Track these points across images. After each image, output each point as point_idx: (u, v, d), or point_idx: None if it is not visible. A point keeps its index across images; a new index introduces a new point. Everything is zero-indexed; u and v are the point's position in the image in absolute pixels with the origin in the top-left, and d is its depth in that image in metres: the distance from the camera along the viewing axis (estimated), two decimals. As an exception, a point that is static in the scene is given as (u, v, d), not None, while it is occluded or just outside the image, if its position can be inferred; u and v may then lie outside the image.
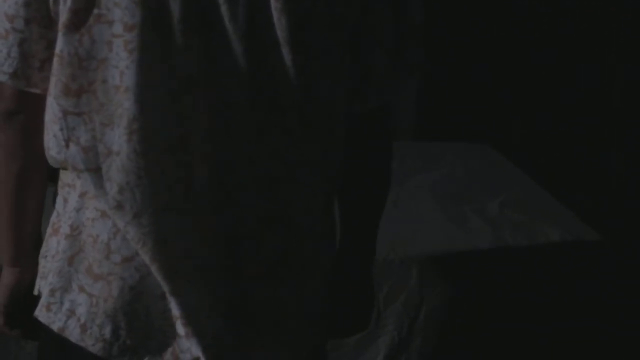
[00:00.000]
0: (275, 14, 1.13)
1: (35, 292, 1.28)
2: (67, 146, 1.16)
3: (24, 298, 1.30)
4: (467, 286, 1.92)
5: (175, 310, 1.20)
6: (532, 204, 2.18)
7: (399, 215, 2.04)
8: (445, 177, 2.34)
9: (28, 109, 1.20)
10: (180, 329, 1.20)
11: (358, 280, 1.37)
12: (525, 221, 2.05)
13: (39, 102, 1.18)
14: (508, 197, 2.19)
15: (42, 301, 1.24)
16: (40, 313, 1.24)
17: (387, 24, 1.21)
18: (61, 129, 1.16)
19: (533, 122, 3.58)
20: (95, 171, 1.15)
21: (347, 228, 1.35)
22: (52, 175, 1.27)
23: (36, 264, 1.27)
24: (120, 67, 1.11)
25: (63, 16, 1.12)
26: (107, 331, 1.20)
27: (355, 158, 1.28)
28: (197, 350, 1.20)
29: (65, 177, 1.23)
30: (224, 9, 1.12)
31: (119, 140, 1.13)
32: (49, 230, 1.26)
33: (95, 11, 1.11)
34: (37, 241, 1.29)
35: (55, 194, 1.27)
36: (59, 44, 1.13)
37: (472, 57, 3.43)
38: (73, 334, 1.21)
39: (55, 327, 1.22)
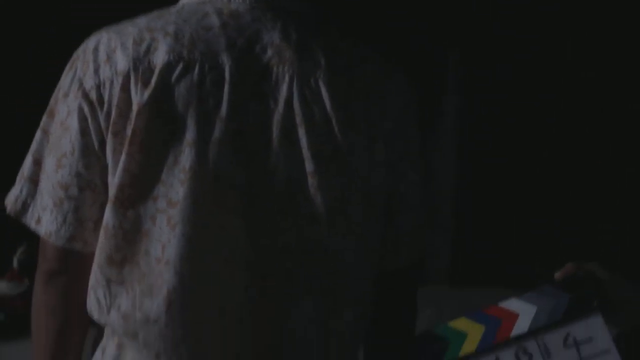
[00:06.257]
0: (311, 191, 1.16)
1: None
2: (108, 312, 1.18)
3: None
4: None
5: None
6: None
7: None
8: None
9: (71, 270, 1.23)
10: None
11: None
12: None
13: (83, 263, 1.21)
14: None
15: None
16: None
17: (417, 187, 1.27)
18: (104, 296, 1.18)
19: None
20: (133, 337, 1.16)
21: None
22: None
23: None
24: (162, 241, 1.14)
25: (111, 190, 1.16)
26: None
27: (382, 311, 1.31)
28: None
29: (106, 328, 1.24)
30: (263, 183, 1.15)
31: (157, 309, 1.14)
32: None
33: (140, 187, 1.14)
34: None
35: (95, 339, 1.28)
36: (105, 216, 1.16)
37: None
38: None
39: None
